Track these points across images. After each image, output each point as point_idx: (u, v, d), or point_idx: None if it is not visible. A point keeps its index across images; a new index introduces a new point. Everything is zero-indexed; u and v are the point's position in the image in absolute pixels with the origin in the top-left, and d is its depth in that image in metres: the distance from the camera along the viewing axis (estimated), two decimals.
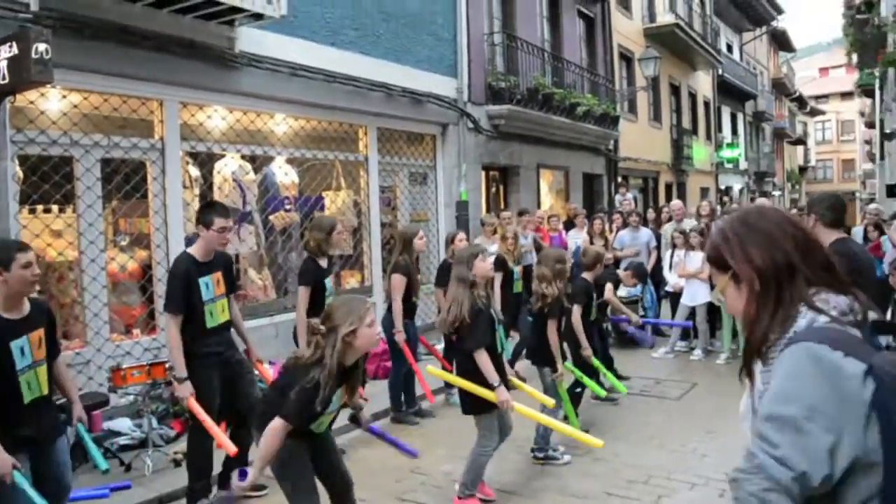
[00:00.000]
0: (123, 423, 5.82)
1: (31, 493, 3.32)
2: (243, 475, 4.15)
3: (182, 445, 5.54)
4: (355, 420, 3.98)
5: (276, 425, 3.18)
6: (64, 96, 6.08)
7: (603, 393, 6.23)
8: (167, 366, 5.58)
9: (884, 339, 1.45)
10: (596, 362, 6.20)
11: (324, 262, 5.74)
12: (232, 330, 4.94)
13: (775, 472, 1.35)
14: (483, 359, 4.43)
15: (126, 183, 6.54)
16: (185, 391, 4.48)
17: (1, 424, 3.41)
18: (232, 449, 4.31)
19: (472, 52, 10.96)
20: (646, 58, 16.99)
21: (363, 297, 3.65)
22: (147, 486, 4.98)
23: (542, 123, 12.68)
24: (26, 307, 3.58)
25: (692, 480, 5.06)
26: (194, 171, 7.32)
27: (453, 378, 4.81)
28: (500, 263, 7.48)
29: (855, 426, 1.32)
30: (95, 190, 6.17)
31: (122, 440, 5.64)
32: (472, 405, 4.61)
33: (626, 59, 18.62)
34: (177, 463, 5.32)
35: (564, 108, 13.18)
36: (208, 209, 4.73)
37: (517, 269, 8.20)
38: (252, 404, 4.78)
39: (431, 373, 5.33)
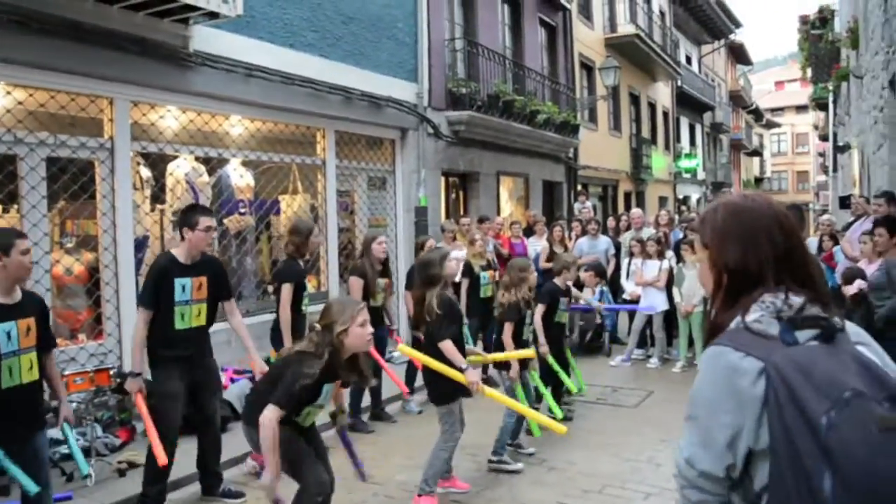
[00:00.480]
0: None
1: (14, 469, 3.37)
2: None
3: (127, 454, 5.40)
4: (334, 418, 4.01)
5: (269, 413, 3.30)
6: (8, 92, 5.87)
7: (574, 388, 6.58)
8: (111, 372, 5.44)
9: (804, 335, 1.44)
10: (552, 361, 6.29)
11: (301, 263, 5.92)
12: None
13: (685, 472, 1.49)
14: (449, 346, 4.64)
15: (73, 183, 6.32)
16: (135, 386, 4.49)
17: None
18: (162, 459, 4.30)
19: (432, 57, 10.90)
20: (606, 67, 17.12)
21: (358, 300, 3.95)
22: (89, 497, 4.80)
23: (503, 130, 12.67)
24: (18, 294, 3.62)
25: (647, 490, 5.04)
26: (145, 172, 7.13)
27: (424, 357, 4.86)
28: (466, 269, 7.52)
29: (750, 420, 1.39)
30: (40, 190, 5.95)
31: (64, 449, 5.42)
32: (439, 395, 4.78)
33: (587, 67, 18.76)
34: (121, 473, 5.15)
35: (525, 116, 13.19)
36: (191, 210, 4.80)
37: (486, 275, 8.15)
38: (210, 416, 4.81)
39: (403, 351, 5.37)
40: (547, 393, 5.98)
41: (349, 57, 9.17)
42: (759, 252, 1.56)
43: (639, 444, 6.05)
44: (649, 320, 9.28)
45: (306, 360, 3.42)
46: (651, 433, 6.33)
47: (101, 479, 5.02)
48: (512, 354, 5.51)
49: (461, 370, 4.61)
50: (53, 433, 5.48)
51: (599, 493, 4.98)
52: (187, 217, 4.67)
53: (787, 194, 55.91)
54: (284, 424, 3.44)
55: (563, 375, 6.37)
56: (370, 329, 3.56)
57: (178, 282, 4.58)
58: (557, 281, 6.57)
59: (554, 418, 5.49)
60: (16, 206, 6.01)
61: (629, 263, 9.68)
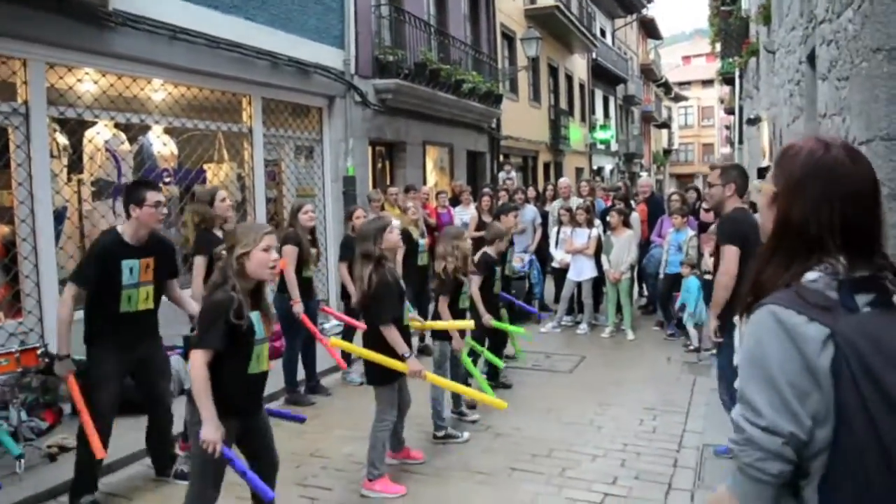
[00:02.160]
0: None
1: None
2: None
3: (56, 438, 5.13)
4: None
5: (195, 358, 3.12)
6: None
7: (502, 364, 6.57)
8: (38, 352, 5.14)
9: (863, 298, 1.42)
10: (496, 323, 6.33)
11: (219, 233, 5.56)
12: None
13: (765, 443, 1.39)
14: (391, 333, 4.49)
15: None
16: (64, 369, 4.22)
17: None
18: (99, 453, 4.12)
19: (359, 23, 10.65)
20: (528, 38, 17.18)
21: (269, 225, 3.54)
22: (19, 485, 4.50)
23: (429, 99, 12.56)
24: None
25: (592, 452, 5.14)
26: (62, 140, 6.69)
27: (360, 350, 4.71)
28: (404, 236, 7.41)
29: (817, 388, 1.36)
30: None
31: None
32: (377, 376, 4.62)
33: (508, 38, 18.78)
34: (52, 458, 4.88)
35: (450, 85, 13.11)
36: (137, 186, 4.47)
37: (423, 242, 8.08)
38: (159, 395, 4.61)
39: (336, 345, 5.28)
40: (476, 372, 5.84)
41: (276, 20, 8.85)
42: (828, 216, 1.45)
43: (579, 408, 6.16)
44: (578, 287, 9.44)
45: (215, 291, 3.20)
46: (588, 397, 6.46)
47: (30, 465, 4.72)
48: (452, 324, 5.43)
49: (403, 358, 4.49)
50: None
51: (548, 458, 5.04)
52: (133, 193, 4.34)
53: (693, 165, 57.95)
54: (238, 387, 3.24)
55: (487, 353, 6.25)
56: (275, 255, 3.25)
57: (125, 263, 4.29)
58: (490, 250, 6.49)
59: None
60: None
61: (558, 232, 9.80)
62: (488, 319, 6.21)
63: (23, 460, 4.59)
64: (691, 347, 8.10)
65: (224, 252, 3.27)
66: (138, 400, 4.73)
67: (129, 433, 4.92)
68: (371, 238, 4.50)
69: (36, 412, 5.51)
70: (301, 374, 6.67)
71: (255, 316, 3.24)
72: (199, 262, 5.45)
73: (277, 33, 8.83)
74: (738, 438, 1.44)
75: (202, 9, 7.61)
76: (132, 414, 4.94)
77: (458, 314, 5.66)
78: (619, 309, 9.17)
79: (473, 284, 6.11)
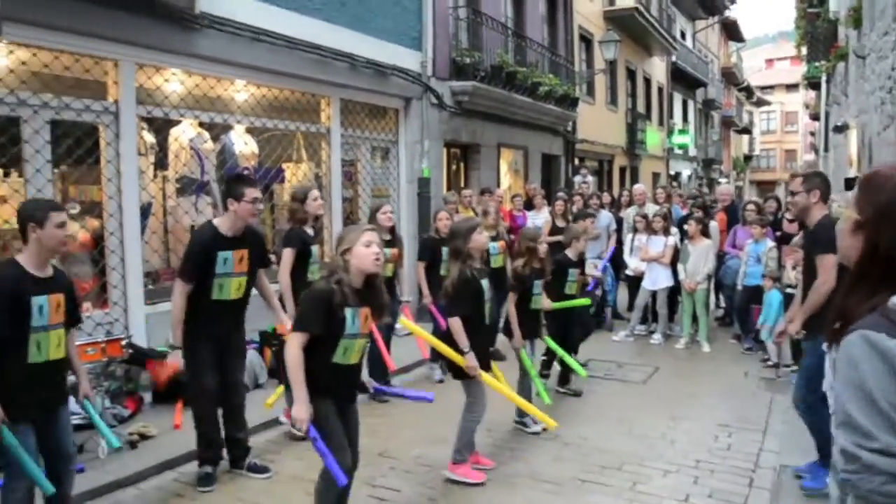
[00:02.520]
0: (73, 402, 5.48)
1: (18, 450, 3.30)
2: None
3: (137, 426, 5.31)
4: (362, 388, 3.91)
5: (290, 340, 3.36)
6: (11, 52, 5.65)
7: (584, 373, 6.41)
8: (123, 342, 5.32)
9: None
10: (549, 341, 6.22)
11: (309, 230, 5.76)
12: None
13: (884, 465, 1.38)
14: (456, 324, 4.62)
15: (78, 147, 6.14)
16: (177, 359, 4.59)
17: (3, 385, 3.35)
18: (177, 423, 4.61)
19: (437, 25, 10.69)
20: (606, 41, 16.93)
21: (371, 225, 3.93)
22: (101, 470, 4.70)
23: (505, 102, 12.51)
24: (50, 269, 3.57)
25: (664, 467, 5.01)
26: (149, 138, 6.94)
27: (423, 333, 4.89)
28: None
29: None
30: (44, 154, 5.76)
31: (76, 420, 5.31)
32: (459, 370, 4.71)
33: (586, 40, 18.57)
34: (133, 445, 5.05)
35: (526, 88, 13.03)
36: (237, 181, 4.72)
37: (496, 245, 8.04)
38: (235, 381, 4.80)
39: (404, 324, 5.32)
40: (534, 373, 5.73)
41: (355, 22, 8.96)
42: None
43: (651, 420, 6.02)
44: (652, 296, 9.25)
45: (316, 286, 3.49)
46: (662, 410, 6.31)
47: (112, 451, 4.91)
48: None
49: (462, 353, 4.59)
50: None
51: (619, 470, 4.94)
52: (233, 188, 4.56)
53: (776, 172, 56.20)
54: (324, 373, 3.38)
55: (567, 358, 6.29)
56: (376, 250, 3.47)
57: (221, 255, 4.50)
58: (569, 252, 6.66)
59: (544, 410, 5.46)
60: (18, 171, 5.81)
61: (633, 239, 9.62)
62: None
63: (114, 447, 4.78)
64: (770, 363, 7.83)
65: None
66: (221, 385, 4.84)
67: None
68: (462, 236, 4.70)
69: (119, 400, 5.72)
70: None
71: (352, 311, 3.41)
72: (288, 254, 5.58)
73: (356, 35, 8.93)
74: (853, 468, 1.41)
75: (284, 11, 7.76)
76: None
77: (527, 315, 5.72)
78: (694, 319, 8.94)
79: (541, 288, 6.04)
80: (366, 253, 3.43)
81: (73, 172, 6.38)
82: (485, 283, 4.78)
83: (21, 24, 5.36)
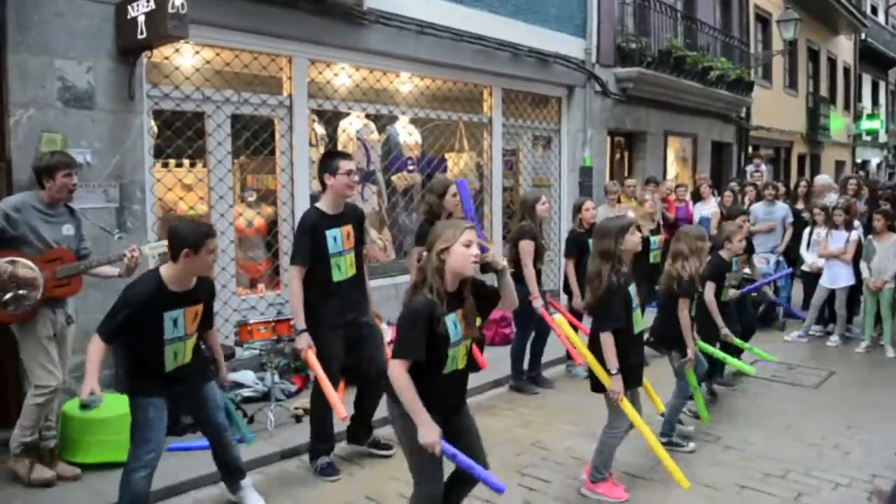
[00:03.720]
0: (247, 376, 5.92)
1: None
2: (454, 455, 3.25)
3: (303, 401, 5.61)
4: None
5: (392, 369, 3.02)
6: (197, 52, 6.13)
7: (751, 371, 5.85)
8: (292, 322, 5.64)
9: None
10: (737, 341, 5.89)
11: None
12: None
13: None
14: (607, 341, 4.16)
15: (254, 139, 6.59)
16: (303, 343, 4.44)
17: (143, 383, 3.67)
18: (341, 412, 4.28)
19: (602, 11, 10.46)
20: (785, 19, 15.84)
21: (468, 222, 3.37)
22: (269, 441, 5.05)
23: (673, 88, 12.05)
24: (193, 282, 3.70)
25: (835, 479, 4.65)
26: (320, 130, 7.31)
27: (578, 342, 4.53)
28: None
29: None
30: (225, 146, 6.23)
31: (246, 392, 5.75)
32: (599, 383, 4.33)
33: (763, 20, 17.49)
34: (297, 418, 5.37)
35: (696, 73, 12.47)
36: (329, 156, 4.64)
37: (656, 239, 7.77)
38: (380, 370, 4.56)
39: (559, 323, 4.95)
40: (699, 395, 5.46)
41: (517, 12, 8.94)
42: None
43: (822, 428, 5.60)
44: (830, 295, 8.60)
45: (412, 295, 3.11)
46: (835, 418, 5.86)
47: (279, 423, 5.27)
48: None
49: (609, 373, 4.18)
50: (237, 377, 5.82)
51: (782, 479, 4.66)
52: (327, 162, 4.51)
53: None
54: (434, 388, 3.08)
55: (729, 359, 5.79)
56: (476, 251, 3.08)
57: (329, 234, 4.47)
58: (723, 253, 5.94)
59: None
60: (202, 161, 6.31)
61: (811, 232, 8.97)
62: (727, 333, 5.69)
63: (272, 423, 5.12)
64: None
65: (424, 252, 3.20)
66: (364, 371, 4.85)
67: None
68: (612, 236, 4.20)
69: (287, 376, 6.11)
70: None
71: (451, 318, 3.09)
72: (415, 252, 5.42)
73: (518, 24, 8.92)
74: None
75: (448, 3, 7.90)
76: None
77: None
78: (877, 321, 8.22)
79: (707, 291, 5.62)
80: (465, 254, 3.05)
81: (250, 163, 6.84)
82: (631, 289, 4.27)
83: (205, 27, 5.78)
